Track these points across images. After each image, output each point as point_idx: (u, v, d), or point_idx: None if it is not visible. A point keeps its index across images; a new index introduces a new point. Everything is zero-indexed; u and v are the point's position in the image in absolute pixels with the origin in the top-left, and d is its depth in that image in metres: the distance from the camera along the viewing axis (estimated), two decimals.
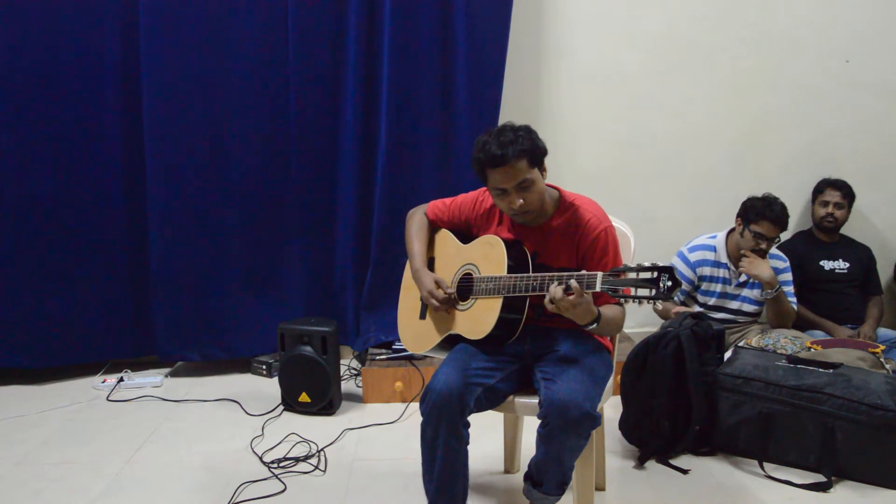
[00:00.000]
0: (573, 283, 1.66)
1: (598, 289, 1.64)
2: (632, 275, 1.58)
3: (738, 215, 2.98)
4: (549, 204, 1.92)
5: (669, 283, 1.53)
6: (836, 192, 3.30)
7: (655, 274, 1.55)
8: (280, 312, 3.23)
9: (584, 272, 1.68)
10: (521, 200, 1.81)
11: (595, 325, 1.75)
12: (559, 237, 1.90)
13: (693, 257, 3.05)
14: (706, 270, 3.05)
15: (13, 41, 2.96)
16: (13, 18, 2.94)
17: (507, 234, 1.96)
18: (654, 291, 1.54)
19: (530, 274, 1.80)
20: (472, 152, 1.85)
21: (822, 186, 3.34)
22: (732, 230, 3.04)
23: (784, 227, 2.91)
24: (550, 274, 1.74)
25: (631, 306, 1.70)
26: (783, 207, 2.89)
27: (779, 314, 2.97)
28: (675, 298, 3.03)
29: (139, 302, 3.26)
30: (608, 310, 1.82)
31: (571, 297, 1.65)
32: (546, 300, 1.69)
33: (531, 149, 1.79)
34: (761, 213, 2.87)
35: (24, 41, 2.97)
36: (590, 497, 1.94)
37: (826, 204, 3.31)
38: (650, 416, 2.43)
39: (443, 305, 1.94)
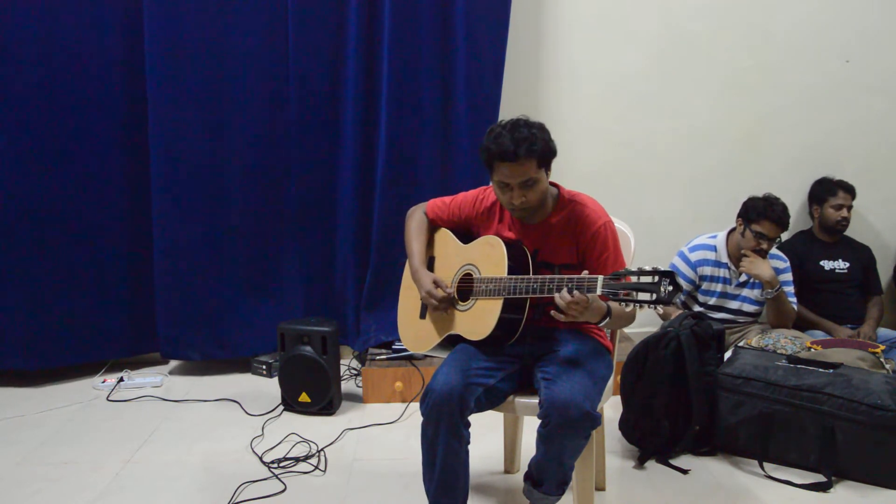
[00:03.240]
0: (576, 293, 1.65)
1: (598, 292, 1.63)
2: (633, 278, 1.58)
3: (739, 215, 2.98)
4: (549, 201, 1.92)
5: (670, 288, 1.53)
6: (847, 195, 3.29)
7: (656, 278, 1.55)
8: (280, 312, 3.24)
9: (585, 276, 1.67)
10: (523, 198, 1.80)
11: (608, 320, 1.75)
12: (559, 234, 1.90)
13: (694, 257, 3.05)
14: (707, 270, 3.05)
15: (18, 39, 2.95)
16: (16, 19, 2.94)
17: (507, 232, 1.96)
18: (654, 296, 1.54)
19: (531, 276, 1.80)
20: (483, 139, 1.83)
21: (834, 189, 3.30)
22: (732, 230, 3.04)
23: (785, 227, 2.91)
24: (551, 276, 1.73)
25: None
26: (784, 208, 2.89)
27: (779, 314, 2.97)
28: (677, 301, 3.03)
29: (139, 302, 3.26)
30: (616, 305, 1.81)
31: (579, 303, 1.65)
32: (555, 313, 1.68)
33: (543, 150, 1.79)
34: (763, 212, 2.87)
35: (29, 42, 2.96)
36: (590, 497, 1.94)
37: (840, 207, 3.28)
38: (650, 416, 2.43)
39: (441, 305, 1.94)
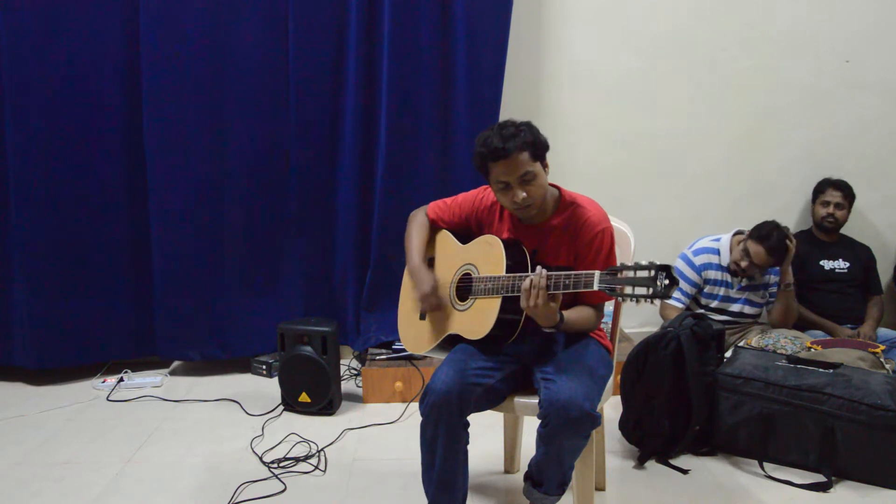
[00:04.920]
0: (542, 280, 1.68)
1: (595, 287, 1.63)
2: (629, 273, 1.58)
3: (750, 232, 2.99)
4: (550, 202, 1.92)
5: (667, 282, 1.53)
6: (837, 193, 3.30)
7: (653, 272, 1.54)
8: (280, 312, 3.23)
9: (581, 271, 1.67)
10: (524, 194, 1.80)
11: (554, 331, 1.80)
12: (558, 236, 1.90)
13: (698, 260, 3.05)
14: (711, 274, 3.05)
15: (17, 46, 2.96)
16: (18, 23, 2.94)
17: (507, 232, 1.96)
18: (651, 290, 1.54)
19: (529, 273, 1.80)
20: (473, 149, 1.86)
21: (824, 186, 3.34)
22: (736, 233, 3.04)
23: (774, 264, 2.94)
24: (548, 273, 1.73)
25: (630, 305, 1.70)
26: (783, 252, 2.90)
27: (787, 310, 3.01)
28: (679, 303, 3.02)
29: (139, 302, 3.25)
30: (575, 313, 1.85)
31: (538, 294, 1.68)
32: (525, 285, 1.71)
33: (533, 142, 1.80)
34: (761, 238, 2.89)
35: (28, 46, 2.96)
36: (590, 497, 1.94)
37: (827, 204, 3.30)
38: (650, 416, 2.43)
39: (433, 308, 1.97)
